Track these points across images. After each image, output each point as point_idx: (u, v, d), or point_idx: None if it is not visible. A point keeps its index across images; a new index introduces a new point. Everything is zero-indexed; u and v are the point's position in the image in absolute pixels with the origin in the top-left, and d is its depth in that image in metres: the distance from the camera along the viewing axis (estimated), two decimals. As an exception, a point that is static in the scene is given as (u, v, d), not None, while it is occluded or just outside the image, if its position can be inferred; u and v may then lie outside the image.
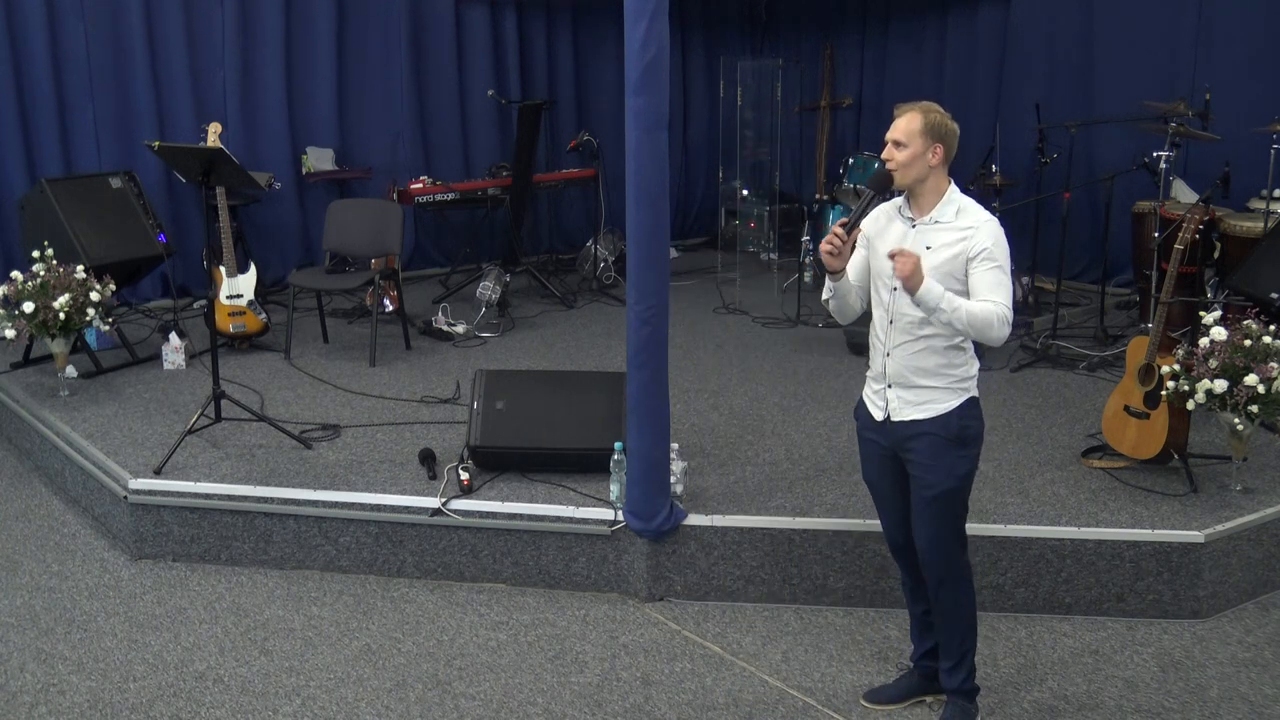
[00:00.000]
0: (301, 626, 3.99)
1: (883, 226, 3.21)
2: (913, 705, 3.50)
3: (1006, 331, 3.02)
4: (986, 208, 3.19)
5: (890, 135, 3.10)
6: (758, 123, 8.74)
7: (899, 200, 3.21)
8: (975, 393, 3.20)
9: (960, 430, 3.14)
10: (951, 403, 3.14)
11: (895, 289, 3.11)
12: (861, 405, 3.35)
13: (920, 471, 3.18)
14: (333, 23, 7.90)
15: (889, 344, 3.18)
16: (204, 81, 7.47)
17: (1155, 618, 4.02)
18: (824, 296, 3.34)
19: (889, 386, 3.20)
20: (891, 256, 2.99)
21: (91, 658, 3.76)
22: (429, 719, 3.46)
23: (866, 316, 3.33)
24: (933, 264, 3.04)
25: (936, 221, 3.10)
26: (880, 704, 3.50)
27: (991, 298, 3.02)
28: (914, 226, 3.13)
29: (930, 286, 2.98)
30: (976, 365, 3.21)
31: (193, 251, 7.47)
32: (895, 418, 3.20)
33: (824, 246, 3.07)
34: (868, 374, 3.31)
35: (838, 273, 3.15)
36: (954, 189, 3.15)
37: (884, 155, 3.12)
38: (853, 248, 3.18)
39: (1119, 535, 4.01)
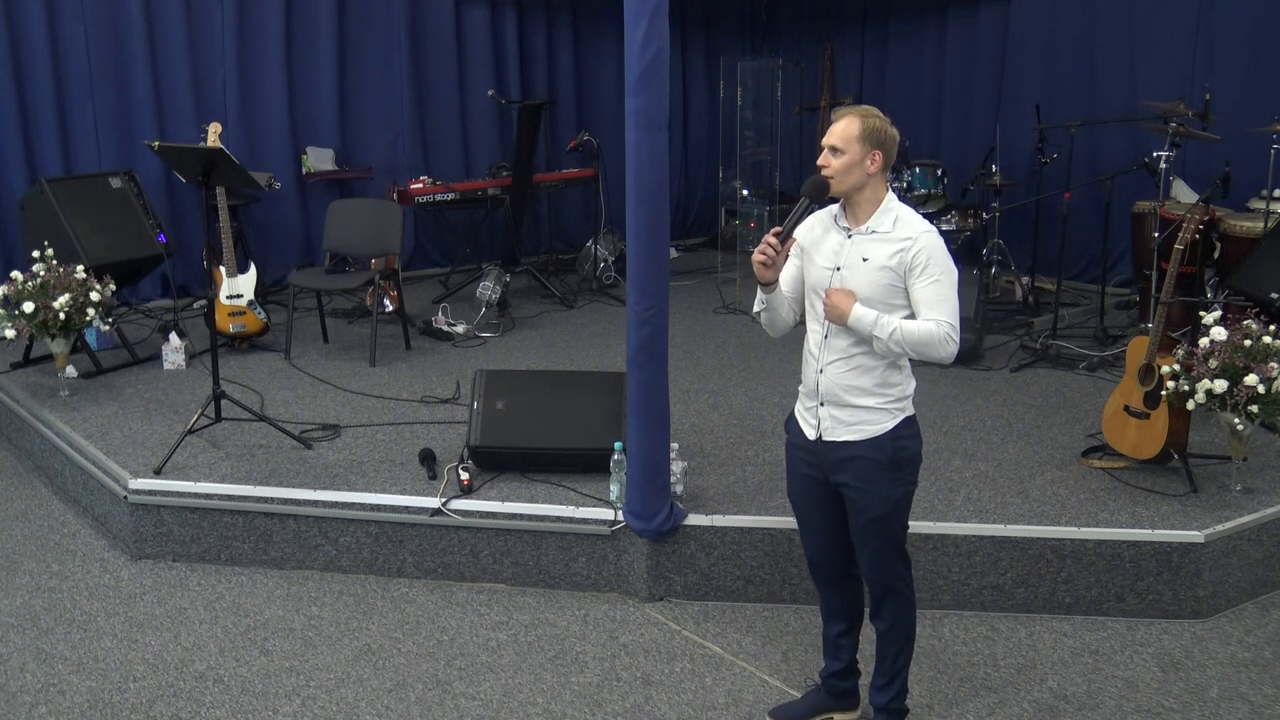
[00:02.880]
0: (301, 626, 3.99)
1: (818, 237, 3.07)
2: None
3: (952, 350, 2.91)
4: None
5: (826, 140, 2.96)
6: (758, 123, 8.73)
7: (834, 208, 3.06)
8: (912, 411, 3.08)
9: (895, 453, 3.02)
10: (886, 424, 3.02)
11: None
12: (793, 420, 3.22)
13: (854, 495, 3.06)
14: (333, 23, 7.90)
15: (823, 360, 3.06)
16: (204, 81, 7.47)
17: (1155, 618, 4.02)
18: (755, 309, 3.19)
19: (821, 404, 3.07)
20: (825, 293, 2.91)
21: (91, 658, 3.76)
22: (429, 719, 3.47)
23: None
24: (870, 277, 2.94)
25: (874, 231, 2.97)
26: None
27: (934, 315, 2.90)
28: (850, 237, 3.00)
29: (860, 315, 2.89)
30: (913, 384, 3.08)
31: (193, 251, 7.47)
32: (827, 437, 3.07)
33: (756, 257, 2.94)
34: (799, 389, 3.18)
35: (770, 284, 3.03)
36: (892, 197, 3.02)
37: (820, 161, 2.97)
38: (786, 257, 3.04)
39: (1119, 535, 4.01)
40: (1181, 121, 6.03)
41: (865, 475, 3.04)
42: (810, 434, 3.12)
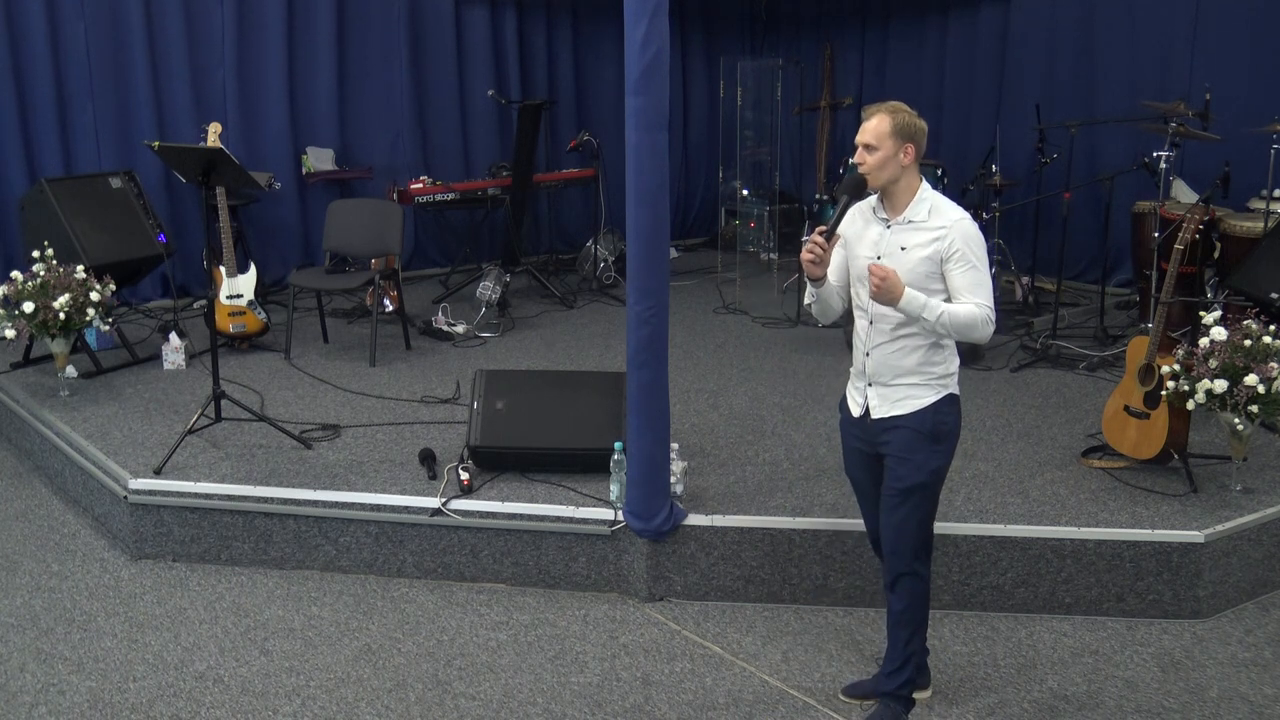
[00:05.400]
0: (301, 626, 3.99)
1: (860, 229, 3.25)
2: None
3: (990, 330, 3.11)
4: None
5: (860, 139, 3.13)
6: (758, 123, 8.73)
7: (873, 199, 3.25)
8: (955, 390, 3.25)
9: (935, 425, 3.19)
10: (929, 399, 3.19)
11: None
12: (844, 400, 3.41)
13: (893, 464, 3.23)
14: (333, 23, 7.90)
15: (869, 344, 3.24)
16: (204, 81, 7.48)
17: (1155, 618, 4.02)
18: (806, 301, 3.41)
19: (869, 385, 3.26)
20: (872, 272, 3.05)
21: (91, 658, 3.76)
22: (429, 719, 3.47)
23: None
24: (908, 265, 3.10)
25: (910, 221, 3.15)
26: (858, 698, 3.53)
27: (973, 299, 3.10)
28: (889, 227, 3.18)
29: (910, 298, 3.04)
30: (956, 362, 3.26)
31: (193, 251, 7.48)
32: (875, 415, 3.25)
33: (805, 256, 3.12)
34: (850, 369, 3.38)
35: (819, 279, 3.21)
36: (925, 186, 3.20)
37: (855, 159, 3.16)
38: (830, 253, 3.22)
39: (1119, 535, 4.01)
40: (1181, 121, 6.02)
41: (906, 444, 3.20)
42: (856, 411, 3.32)
